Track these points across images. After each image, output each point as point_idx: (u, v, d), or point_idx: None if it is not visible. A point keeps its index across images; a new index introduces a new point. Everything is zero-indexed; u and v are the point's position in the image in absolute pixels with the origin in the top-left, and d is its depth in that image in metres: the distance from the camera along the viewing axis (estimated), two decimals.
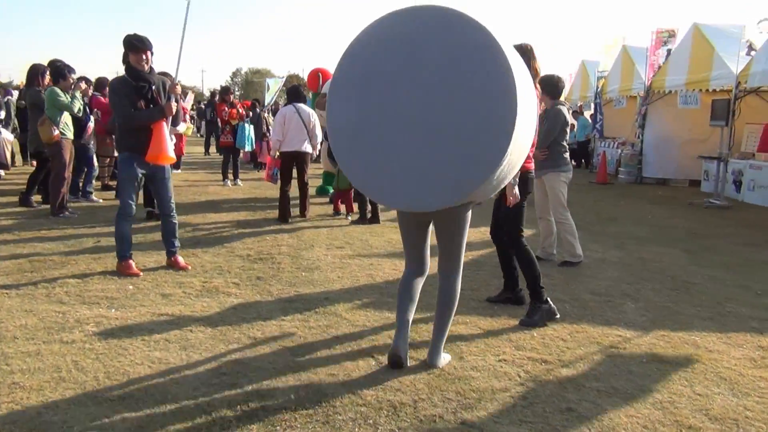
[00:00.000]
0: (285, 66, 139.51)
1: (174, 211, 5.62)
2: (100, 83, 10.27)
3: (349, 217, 8.34)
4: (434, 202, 3.24)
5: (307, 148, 8.19)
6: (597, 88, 18.37)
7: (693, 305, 5.13)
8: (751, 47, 11.58)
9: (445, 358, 3.73)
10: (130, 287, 5.14)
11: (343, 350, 3.87)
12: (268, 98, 19.82)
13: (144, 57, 5.27)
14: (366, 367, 3.62)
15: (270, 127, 15.36)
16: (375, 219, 8.23)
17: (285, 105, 8.36)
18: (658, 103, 14.93)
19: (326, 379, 3.45)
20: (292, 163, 8.19)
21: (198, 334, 4.07)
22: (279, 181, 8.36)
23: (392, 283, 5.48)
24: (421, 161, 3.25)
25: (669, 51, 14.73)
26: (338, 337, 4.08)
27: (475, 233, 7.50)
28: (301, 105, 8.31)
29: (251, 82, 77.35)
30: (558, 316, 4.53)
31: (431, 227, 3.77)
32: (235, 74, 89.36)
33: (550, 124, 6.05)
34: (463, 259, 3.75)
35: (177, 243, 5.67)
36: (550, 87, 6.00)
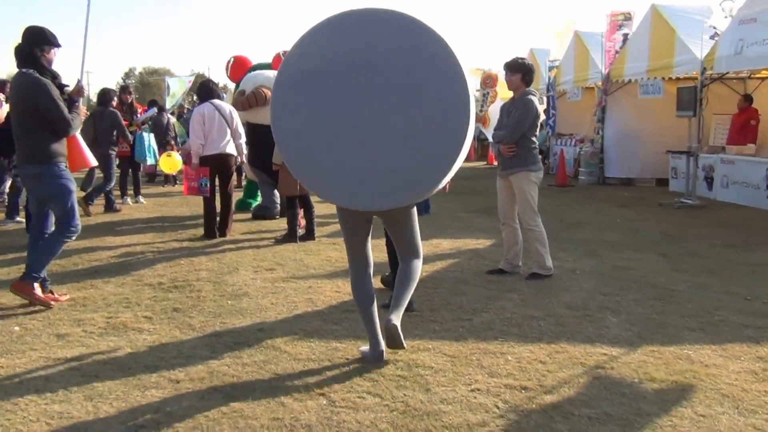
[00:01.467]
0: (186, 65, 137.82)
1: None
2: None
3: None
4: (386, 202, 3.77)
5: (231, 150, 8.23)
6: (549, 79, 18.67)
7: (680, 315, 5.22)
8: (715, 30, 12.01)
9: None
10: (16, 328, 4.93)
11: (287, 390, 3.77)
12: (171, 101, 19.41)
13: (54, 54, 5.31)
14: (317, 408, 3.53)
15: (177, 134, 15.01)
16: (309, 235, 8.20)
17: (198, 104, 8.33)
18: (617, 93, 15.32)
19: (270, 425, 3.35)
20: (216, 169, 8.19)
21: (106, 380, 3.94)
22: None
23: (337, 307, 5.42)
24: (372, 162, 3.72)
25: (626, 36, 15.13)
26: (280, 375, 4.00)
27: (429, 246, 7.56)
28: (220, 103, 8.29)
29: (147, 84, 76.09)
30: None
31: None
32: (128, 74, 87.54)
33: (520, 115, 6.04)
34: (420, 241, 4.40)
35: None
36: (528, 73, 6.05)
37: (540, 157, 6.23)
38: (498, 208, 6.41)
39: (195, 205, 11.00)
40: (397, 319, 4.18)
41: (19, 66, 5.22)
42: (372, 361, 4.20)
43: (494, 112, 17.42)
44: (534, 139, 6.19)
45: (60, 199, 5.32)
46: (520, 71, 6.08)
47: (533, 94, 6.12)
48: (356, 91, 3.73)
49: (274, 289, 5.98)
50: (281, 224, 9.29)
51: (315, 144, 3.78)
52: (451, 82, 3.64)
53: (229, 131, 8.19)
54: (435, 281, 6.25)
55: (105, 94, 10.86)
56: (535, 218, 6.15)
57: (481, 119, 17.55)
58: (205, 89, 8.31)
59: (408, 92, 3.68)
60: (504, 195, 6.31)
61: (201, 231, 8.70)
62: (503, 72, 6.25)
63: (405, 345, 4.26)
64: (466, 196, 12.70)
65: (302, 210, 8.17)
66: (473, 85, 3.66)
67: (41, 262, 5.36)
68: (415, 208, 4.32)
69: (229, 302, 5.58)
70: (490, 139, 9.18)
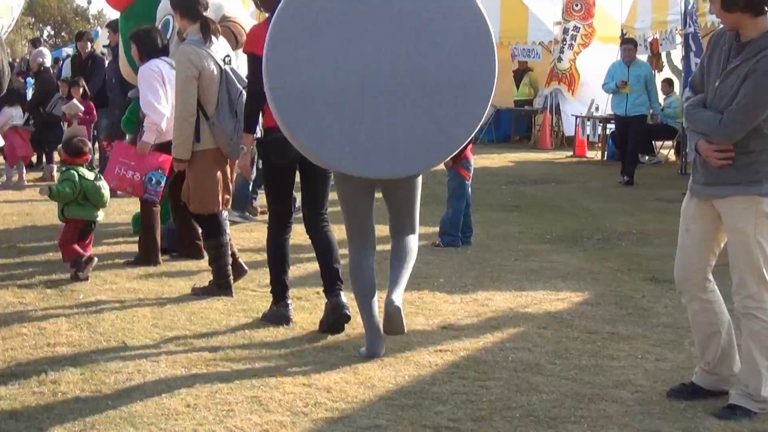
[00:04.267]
0: None
1: None
2: None
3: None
4: (405, 168, 4.75)
5: None
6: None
7: None
8: None
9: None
10: None
11: None
12: None
13: None
14: None
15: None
16: (193, 252, 8.05)
17: (144, 61, 7.85)
18: None
19: None
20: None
21: None
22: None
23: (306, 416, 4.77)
24: (388, 123, 4.60)
25: None
26: None
27: (471, 303, 6.95)
28: (170, 61, 7.85)
29: None
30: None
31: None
32: None
33: (760, 83, 4.39)
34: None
35: None
36: None
37: None
38: (677, 260, 4.86)
39: (40, 218, 10.24)
40: (399, 300, 5.04)
41: None
42: (369, 357, 5.13)
43: (586, 63, 16.03)
44: None
45: None
46: None
47: None
48: (369, 42, 4.55)
49: (189, 379, 5.23)
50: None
51: (321, 105, 4.55)
52: (471, 30, 4.61)
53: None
54: (483, 370, 5.28)
55: None
56: (764, 293, 4.63)
57: (560, 76, 16.32)
58: (149, 39, 7.82)
59: (427, 45, 4.58)
60: (697, 234, 4.78)
61: (60, 272, 7.71)
62: None
63: (405, 329, 5.17)
64: (535, 214, 11.32)
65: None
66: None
67: None
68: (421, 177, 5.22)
69: (110, 405, 4.89)
70: (578, 111, 7.64)
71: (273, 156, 5.65)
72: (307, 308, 6.52)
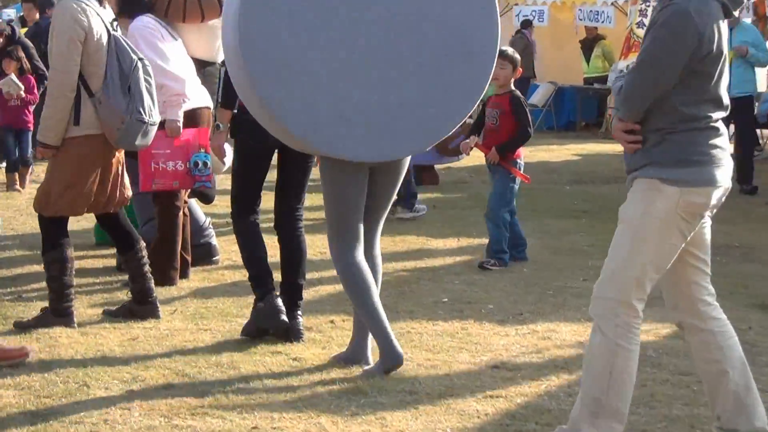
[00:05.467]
0: None
1: None
2: None
3: None
4: (405, 148, 5.15)
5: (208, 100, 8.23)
6: None
7: None
8: None
9: None
10: None
11: None
12: None
13: None
14: None
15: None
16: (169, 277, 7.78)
17: (127, 18, 7.69)
18: None
19: None
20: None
21: None
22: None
23: None
24: (384, 98, 4.94)
25: None
26: None
27: (533, 336, 6.83)
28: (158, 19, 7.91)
29: None
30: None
31: None
32: None
33: (651, 41, 4.51)
34: None
35: None
36: None
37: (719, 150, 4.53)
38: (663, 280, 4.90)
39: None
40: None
41: None
42: (387, 368, 5.26)
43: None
44: (696, 112, 4.42)
45: None
46: None
47: None
48: (362, 7, 4.79)
49: None
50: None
51: (308, 79, 4.75)
52: None
53: (194, 69, 8.08)
54: (546, 421, 5.12)
55: None
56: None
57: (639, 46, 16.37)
58: None
59: (425, 10, 4.87)
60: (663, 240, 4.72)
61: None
62: None
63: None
64: (608, 221, 10.59)
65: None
66: None
67: None
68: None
69: None
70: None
71: (249, 137, 5.72)
72: (318, 341, 6.34)
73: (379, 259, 5.60)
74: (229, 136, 7.01)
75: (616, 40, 19.42)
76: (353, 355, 5.51)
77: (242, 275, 7.70)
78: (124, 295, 7.58)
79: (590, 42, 19.99)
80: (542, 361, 6.12)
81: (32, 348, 5.95)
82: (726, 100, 4.39)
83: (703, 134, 4.29)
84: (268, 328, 5.89)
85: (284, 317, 5.84)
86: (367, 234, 5.45)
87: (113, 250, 8.21)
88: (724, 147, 4.41)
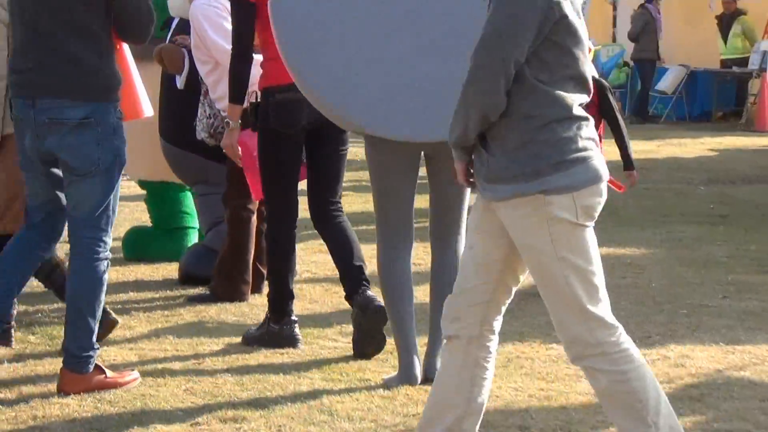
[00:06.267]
0: None
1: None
2: None
3: None
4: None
5: None
6: None
7: None
8: None
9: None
10: None
11: None
12: None
13: None
14: None
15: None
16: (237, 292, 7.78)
17: None
18: None
19: None
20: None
21: None
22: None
23: None
24: (428, 73, 4.95)
25: None
26: None
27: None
28: None
29: None
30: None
31: None
32: None
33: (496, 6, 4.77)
34: None
35: None
36: None
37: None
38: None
39: None
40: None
41: None
42: (401, 383, 5.27)
43: None
44: (562, 94, 4.34)
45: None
46: None
47: None
48: None
49: None
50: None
51: (337, 47, 4.96)
52: None
53: None
54: None
55: None
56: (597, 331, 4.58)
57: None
58: None
59: None
60: (480, 253, 4.83)
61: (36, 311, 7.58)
62: None
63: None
64: (751, 228, 10.99)
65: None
66: None
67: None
68: None
69: None
70: None
71: (277, 123, 5.71)
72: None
73: (452, 256, 5.38)
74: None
75: (758, 16, 19.06)
76: (428, 367, 5.40)
77: (323, 289, 7.68)
78: (171, 314, 7.64)
79: (728, 18, 19.63)
80: (674, 391, 5.84)
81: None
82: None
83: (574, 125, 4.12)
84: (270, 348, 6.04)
85: (298, 342, 6.05)
86: (443, 233, 5.39)
87: (164, 264, 8.57)
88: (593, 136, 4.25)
